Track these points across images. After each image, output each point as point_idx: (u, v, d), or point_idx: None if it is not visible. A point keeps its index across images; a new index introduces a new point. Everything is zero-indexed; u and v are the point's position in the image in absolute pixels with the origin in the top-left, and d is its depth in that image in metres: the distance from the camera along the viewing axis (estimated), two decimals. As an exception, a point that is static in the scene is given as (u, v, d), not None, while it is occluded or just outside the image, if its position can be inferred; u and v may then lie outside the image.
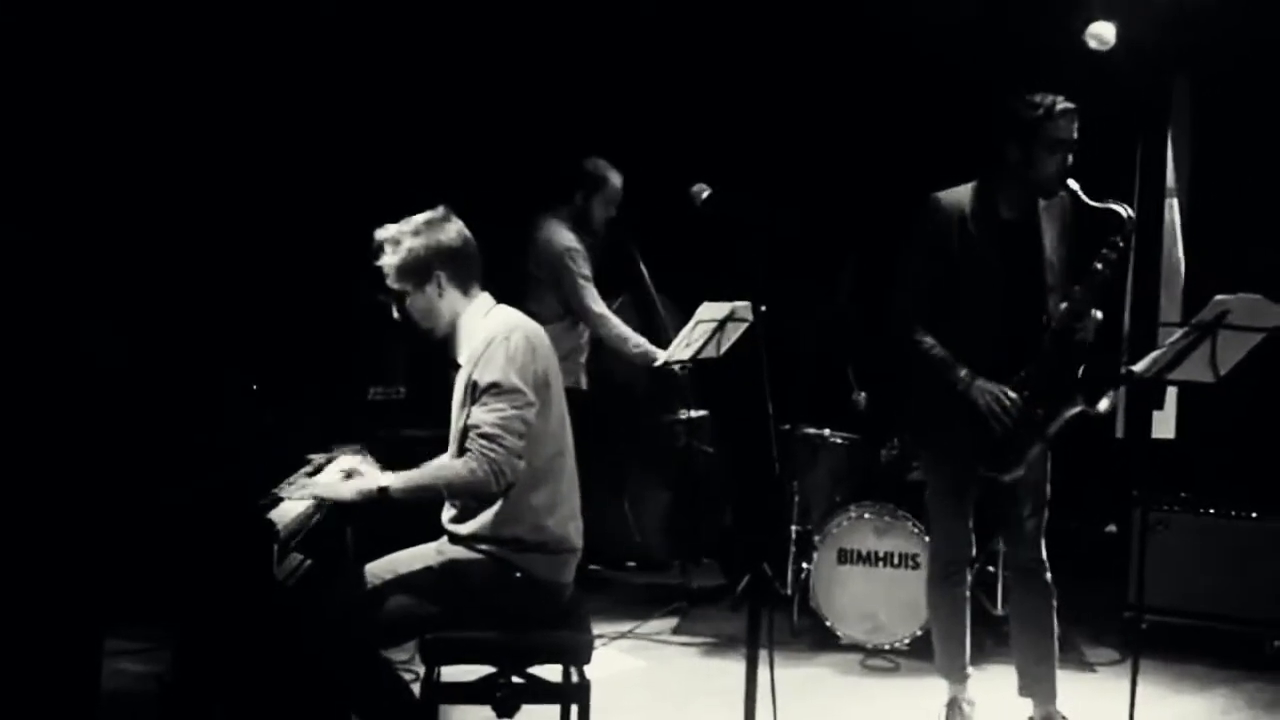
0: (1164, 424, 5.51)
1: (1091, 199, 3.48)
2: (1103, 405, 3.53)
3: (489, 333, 3.05)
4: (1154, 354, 3.41)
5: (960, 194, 3.64)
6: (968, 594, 3.84)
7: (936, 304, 3.62)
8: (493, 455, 2.92)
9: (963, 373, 3.57)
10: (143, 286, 4.26)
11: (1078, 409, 3.55)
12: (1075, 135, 3.52)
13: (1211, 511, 4.79)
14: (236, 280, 4.61)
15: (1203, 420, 5.37)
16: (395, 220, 3.12)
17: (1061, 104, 3.50)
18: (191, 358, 3.59)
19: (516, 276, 4.95)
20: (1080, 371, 3.54)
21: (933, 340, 3.61)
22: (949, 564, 3.76)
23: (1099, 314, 3.54)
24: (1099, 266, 3.50)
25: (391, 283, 3.09)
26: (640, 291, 5.35)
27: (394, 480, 2.97)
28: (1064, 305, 3.54)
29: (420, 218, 3.11)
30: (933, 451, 3.80)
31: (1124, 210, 3.47)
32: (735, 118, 5.82)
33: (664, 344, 4.99)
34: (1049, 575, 3.71)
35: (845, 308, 5.20)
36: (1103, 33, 5.34)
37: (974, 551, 3.84)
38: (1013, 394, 3.53)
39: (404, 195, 3.22)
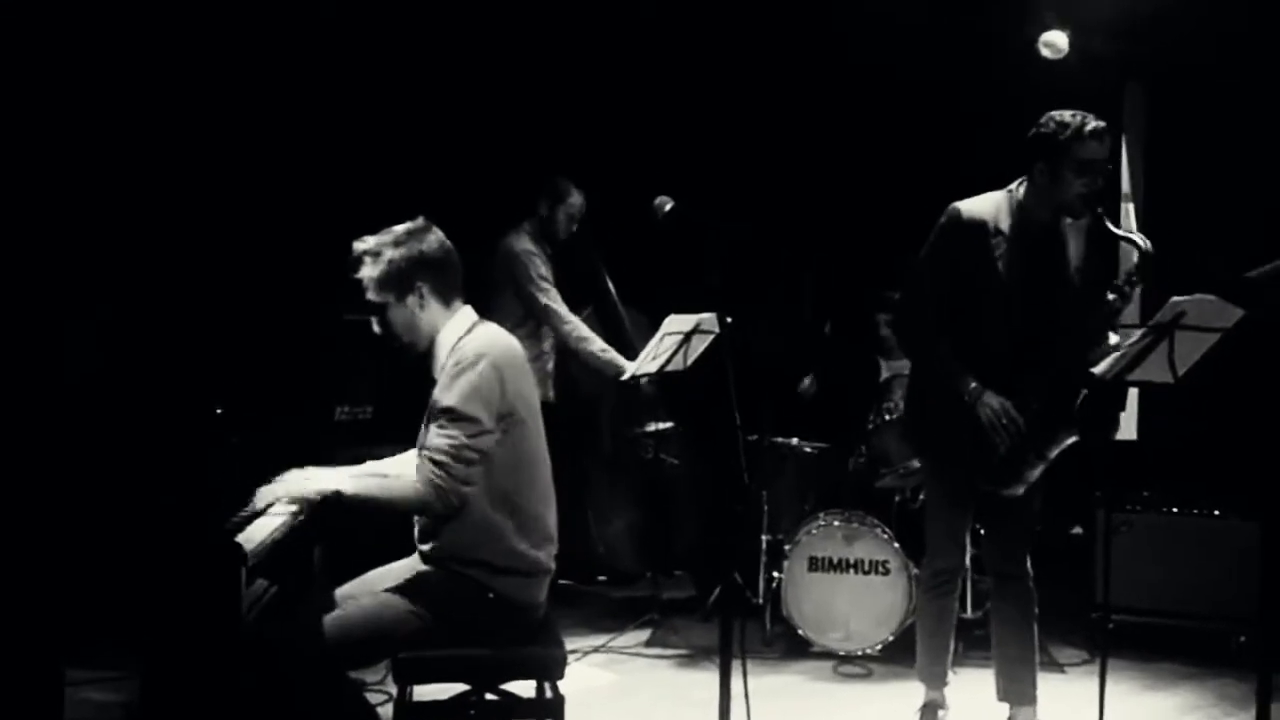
0: (1125, 425, 5.56)
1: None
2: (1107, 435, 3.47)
3: (460, 356, 3.02)
4: (1113, 356, 3.44)
5: (982, 205, 3.56)
6: (955, 603, 3.84)
7: (951, 313, 3.55)
8: (437, 481, 2.91)
9: (972, 384, 3.51)
10: (106, 303, 4.22)
11: (1074, 439, 3.50)
12: (1106, 156, 3.42)
13: (1174, 510, 4.85)
14: (201, 300, 4.57)
15: (1163, 421, 5.44)
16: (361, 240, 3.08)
17: (1092, 124, 3.40)
18: (155, 378, 3.55)
19: (482, 287, 4.99)
20: (1080, 400, 3.46)
21: (948, 349, 3.56)
22: (940, 572, 3.74)
23: (1115, 339, 3.47)
24: (1112, 297, 3.48)
25: (371, 295, 3.04)
26: (606, 305, 5.38)
27: (349, 485, 2.98)
28: (1075, 333, 3.47)
29: (401, 228, 3.07)
30: (934, 460, 3.76)
31: (1143, 242, 3.43)
32: (698, 131, 5.84)
33: (630, 358, 5.00)
34: (1032, 582, 3.70)
35: (808, 318, 5.23)
36: (1056, 41, 5.42)
37: (966, 561, 3.84)
38: (1015, 413, 3.48)
39: (370, 216, 3.20)
